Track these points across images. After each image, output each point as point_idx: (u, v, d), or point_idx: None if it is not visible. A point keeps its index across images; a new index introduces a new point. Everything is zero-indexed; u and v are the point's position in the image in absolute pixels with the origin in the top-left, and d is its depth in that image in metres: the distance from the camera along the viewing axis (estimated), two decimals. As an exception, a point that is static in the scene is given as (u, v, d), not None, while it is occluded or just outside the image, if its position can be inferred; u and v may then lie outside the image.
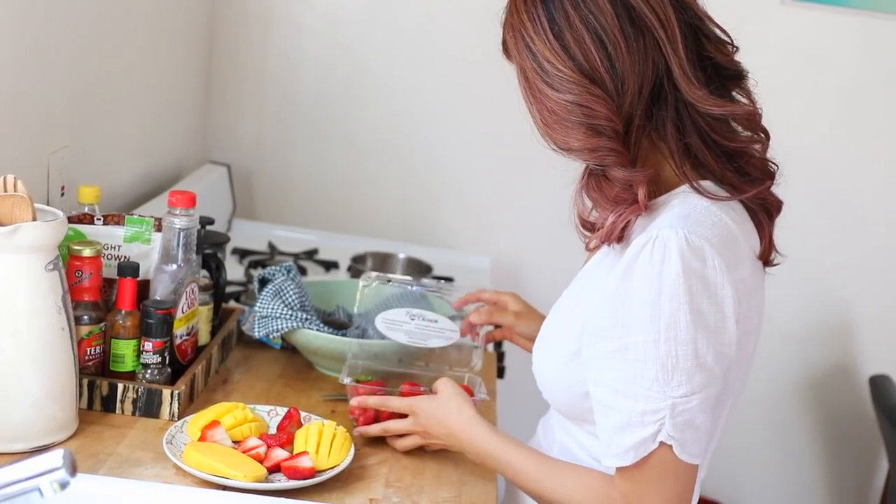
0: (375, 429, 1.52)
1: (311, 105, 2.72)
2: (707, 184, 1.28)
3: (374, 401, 1.53)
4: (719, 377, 1.23)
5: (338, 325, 1.82)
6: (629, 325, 1.22)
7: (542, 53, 1.26)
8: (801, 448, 2.96)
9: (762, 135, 1.31)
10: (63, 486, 0.96)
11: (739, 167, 1.29)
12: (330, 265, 2.47)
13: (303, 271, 2.37)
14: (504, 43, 1.35)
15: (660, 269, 1.20)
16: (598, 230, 1.31)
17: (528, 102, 1.30)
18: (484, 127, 2.71)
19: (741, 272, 1.26)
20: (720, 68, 1.28)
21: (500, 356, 2.08)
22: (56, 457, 0.95)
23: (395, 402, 1.52)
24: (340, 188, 2.77)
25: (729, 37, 1.30)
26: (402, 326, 1.70)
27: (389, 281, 1.81)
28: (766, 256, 1.33)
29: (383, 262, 2.45)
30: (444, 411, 1.46)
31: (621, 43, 1.23)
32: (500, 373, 2.03)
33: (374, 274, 1.80)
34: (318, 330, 1.72)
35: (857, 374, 2.88)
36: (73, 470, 0.96)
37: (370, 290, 1.79)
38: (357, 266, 2.35)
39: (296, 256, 2.48)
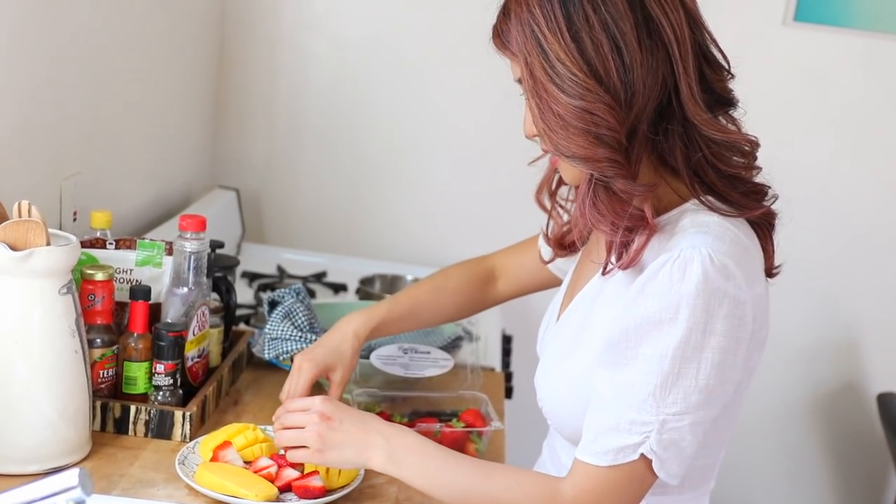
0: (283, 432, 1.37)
1: (319, 129, 2.75)
2: (712, 199, 1.27)
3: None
4: (719, 399, 1.23)
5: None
6: (640, 338, 1.21)
7: (555, 53, 1.20)
8: (809, 466, 2.95)
9: (755, 163, 1.30)
10: (79, 505, 0.97)
11: (737, 188, 1.28)
12: (339, 287, 2.49)
13: (312, 294, 2.38)
14: (500, 32, 1.27)
15: (678, 288, 1.18)
16: (613, 254, 1.27)
17: (531, 100, 1.24)
18: (490, 151, 2.73)
19: (758, 287, 1.25)
20: (714, 93, 1.26)
21: (508, 376, 2.09)
22: (71, 476, 0.96)
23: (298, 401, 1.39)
24: (348, 211, 2.79)
25: (728, 63, 1.28)
26: (397, 360, 1.73)
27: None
28: (770, 269, 1.33)
29: (391, 284, 2.46)
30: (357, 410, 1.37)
31: (637, 54, 1.19)
32: (508, 393, 2.04)
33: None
34: (327, 351, 1.73)
35: (865, 392, 2.88)
36: (89, 489, 0.97)
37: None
38: (365, 288, 2.36)
39: (304, 279, 2.50)
